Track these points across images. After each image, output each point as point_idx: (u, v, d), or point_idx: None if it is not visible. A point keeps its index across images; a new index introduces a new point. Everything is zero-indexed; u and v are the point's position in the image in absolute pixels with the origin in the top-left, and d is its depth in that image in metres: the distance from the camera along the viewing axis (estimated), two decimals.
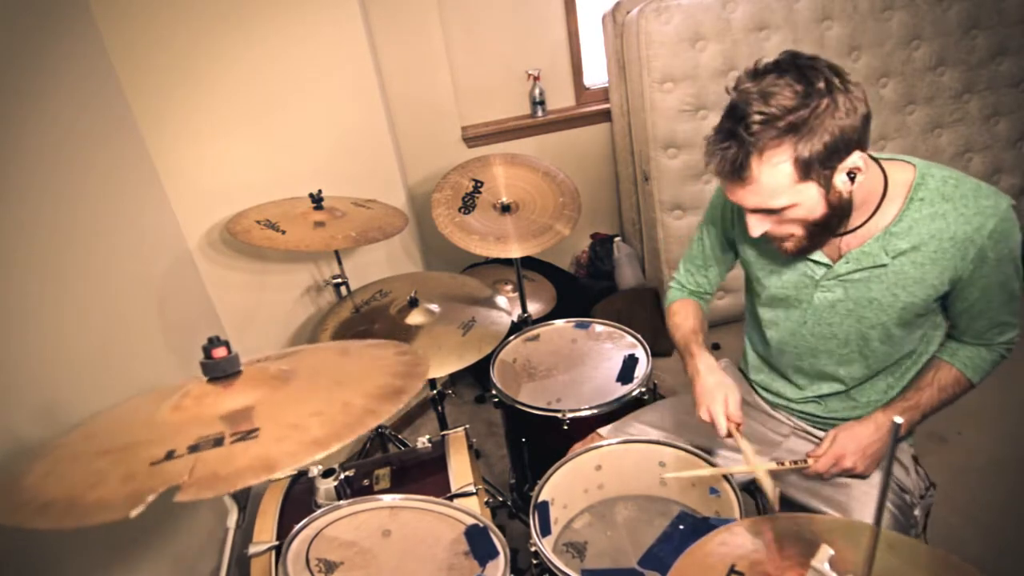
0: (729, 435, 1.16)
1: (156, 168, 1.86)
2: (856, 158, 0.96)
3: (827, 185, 0.97)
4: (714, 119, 1.02)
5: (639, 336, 1.78)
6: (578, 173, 2.51)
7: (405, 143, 2.68)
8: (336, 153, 2.21)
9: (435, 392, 1.99)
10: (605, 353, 1.79)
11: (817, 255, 1.13)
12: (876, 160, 1.07)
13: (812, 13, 2.49)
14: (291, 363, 1.01)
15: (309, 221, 1.82)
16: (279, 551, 1.20)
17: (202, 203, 1.96)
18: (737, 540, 0.87)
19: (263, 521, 1.30)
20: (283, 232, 1.75)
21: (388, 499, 1.22)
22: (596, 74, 3.02)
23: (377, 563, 1.11)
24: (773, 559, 0.81)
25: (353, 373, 1.01)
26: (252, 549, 1.22)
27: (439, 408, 2.00)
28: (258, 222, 1.80)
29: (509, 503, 1.94)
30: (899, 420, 0.57)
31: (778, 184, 0.96)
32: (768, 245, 1.17)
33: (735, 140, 0.95)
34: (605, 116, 3.01)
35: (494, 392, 1.69)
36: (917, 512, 1.18)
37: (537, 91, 2.88)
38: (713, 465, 1.22)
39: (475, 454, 1.67)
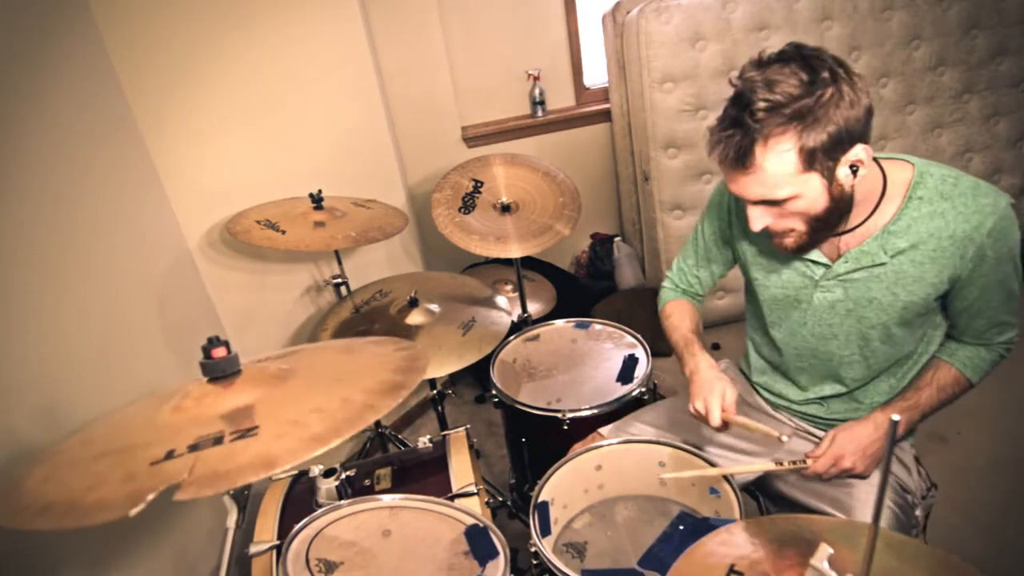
0: (724, 426, 1.15)
1: (156, 168, 1.87)
2: (859, 151, 0.96)
3: (830, 177, 0.97)
4: (714, 119, 1.02)
5: (639, 336, 1.78)
6: (578, 173, 2.51)
7: (405, 143, 2.68)
8: (336, 153, 2.21)
9: (435, 392, 1.99)
10: (605, 353, 1.79)
11: (816, 255, 1.13)
12: (875, 159, 1.06)
13: (812, 13, 2.49)
14: (291, 362, 1.01)
15: (309, 221, 1.82)
16: (279, 551, 1.20)
17: (202, 203, 1.97)
18: (737, 540, 0.87)
19: (264, 521, 1.30)
20: (283, 232, 1.75)
21: (388, 499, 1.22)
22: (596, 74, 3.02)
23: (377, 563, 1.11)
24: (772, 559, 0.81)
25: (352, 369, 1.01)
26: (253, 548, 1.22)
27: (439, 408, 2.00)
28: (258, 222, 1.80)
29: (509, 503, 1.94)
30: (896, 418, 0.57)
31: (782, 173, 0.96)
32: (767, 244, 1.17)
33: (740, 128, 0.95)
34: (605, 116, 3.01)
35: (494, 392, 1.69)
36: (918, 512, 1.18)
37: (537, 91, 2.88)
38: (713, 465, 1.22)
39: (475, 454, 1.67)
